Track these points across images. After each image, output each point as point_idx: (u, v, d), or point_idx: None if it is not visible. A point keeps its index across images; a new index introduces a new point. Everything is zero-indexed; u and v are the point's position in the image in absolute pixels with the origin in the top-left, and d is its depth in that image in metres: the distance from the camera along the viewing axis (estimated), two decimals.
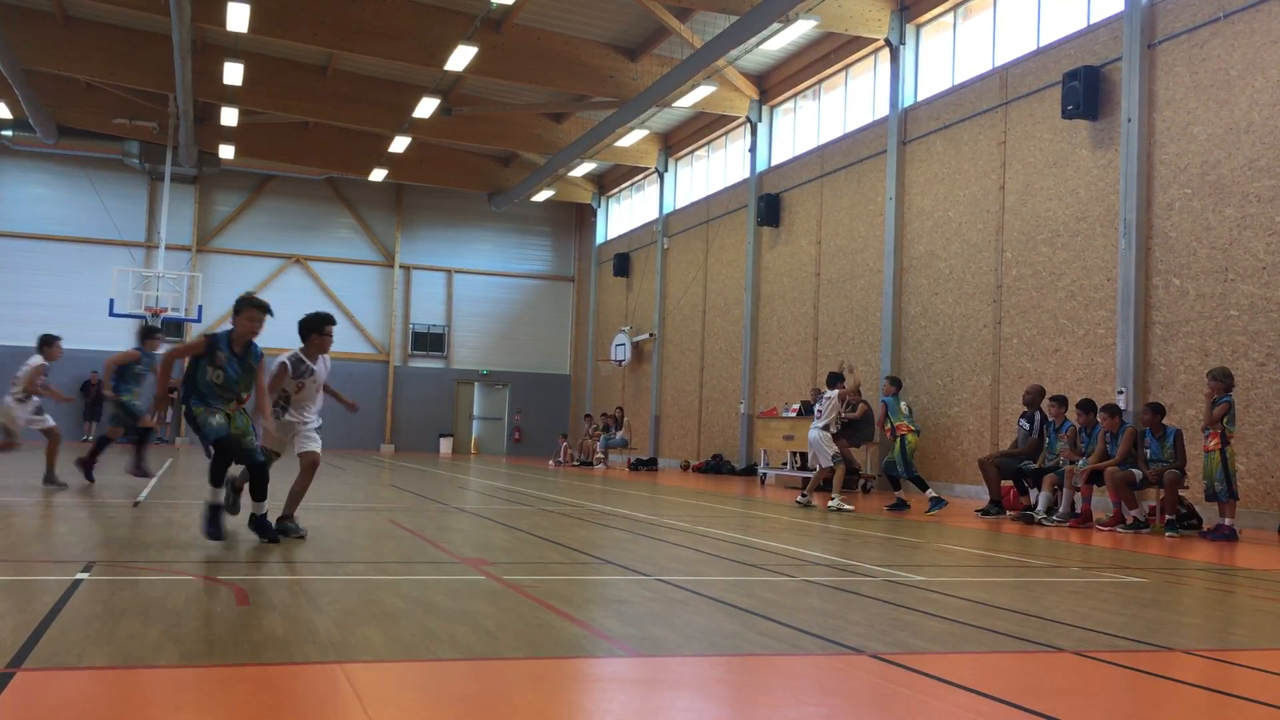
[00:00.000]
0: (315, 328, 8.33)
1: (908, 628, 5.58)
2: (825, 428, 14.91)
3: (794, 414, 20.54)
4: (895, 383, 15.40)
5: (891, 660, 4.69)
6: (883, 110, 21.15)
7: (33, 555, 7.02)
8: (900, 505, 14.58)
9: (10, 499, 11.21)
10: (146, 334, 14.00)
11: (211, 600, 5.61)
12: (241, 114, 27.93)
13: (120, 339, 32.44)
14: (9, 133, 30.14)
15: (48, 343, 13.05)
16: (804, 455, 20.46)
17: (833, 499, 14.32)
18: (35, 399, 12.78)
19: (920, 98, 20.22)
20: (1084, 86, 15.71)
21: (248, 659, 4.36)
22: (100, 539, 8.13)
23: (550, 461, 30.35)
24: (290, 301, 34.54)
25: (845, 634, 5.26)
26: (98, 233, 32.58)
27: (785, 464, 21.27)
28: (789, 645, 4.99)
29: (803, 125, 24.69)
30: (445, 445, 35.17)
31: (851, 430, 19.34)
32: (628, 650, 4.76)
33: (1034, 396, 14.52)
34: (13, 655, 4.17)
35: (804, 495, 14.92)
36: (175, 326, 32.54)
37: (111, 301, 29.21)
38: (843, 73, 23.09)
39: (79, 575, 6.20)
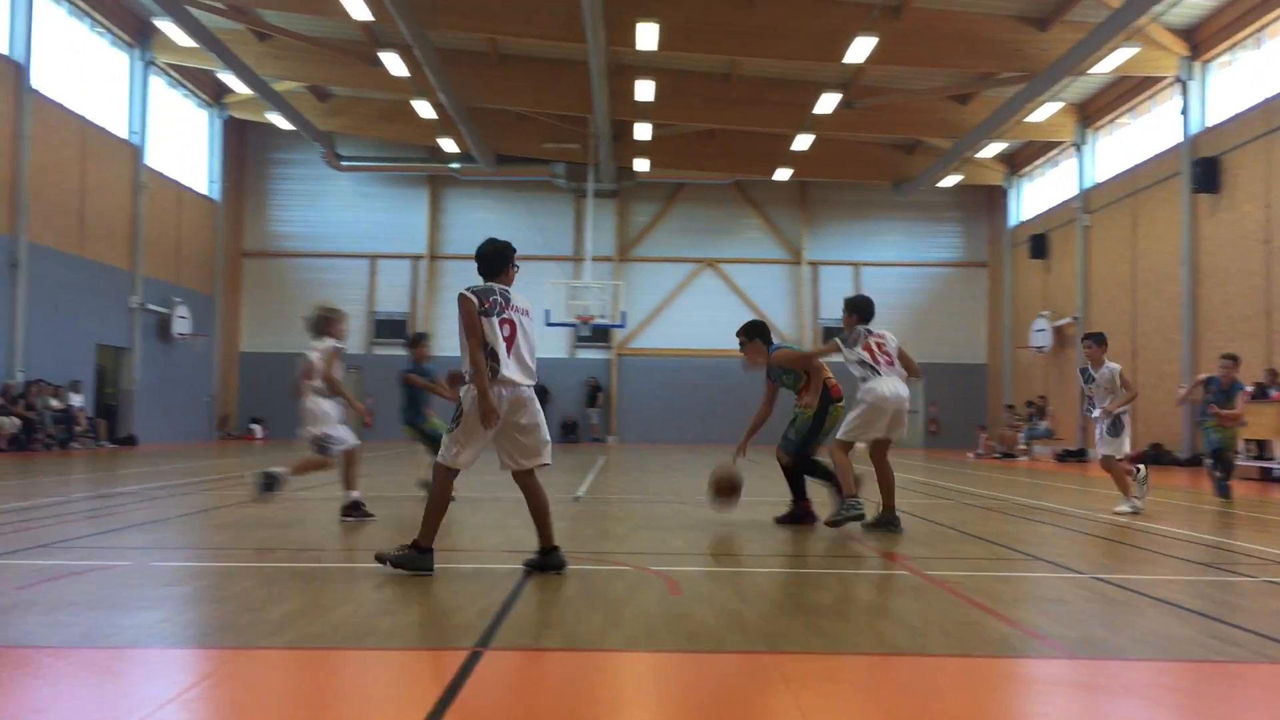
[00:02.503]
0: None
1: None
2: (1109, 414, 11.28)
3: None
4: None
5: None
6: None
7: (492, 545, 7.79)
8: None
9: (470, 495, 12.47)
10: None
11: (646, 589, 5.95)
12: (654, 128, 29.40)
13: (555, 346, 35.26)
14: (456, 165, 33.65)
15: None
16: (1260, 443, 18.47)
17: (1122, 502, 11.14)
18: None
19: None
20: None
21: (683, 646, 4.59)
22: None
23: (969, 454, 29.42)
24: (705, 304, 35.97)
25: None
26: (532, 249, 35.50)
27: (1239, 452, 19.26)
28: (1251, 652, 4.54)
29: (1243, 78, 22.27)
30: None
31: None
32: (1063, 651, 4.53)
33: None
34: (480, 636, 4.65)
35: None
36: (603, 332, 34.81)
37: (547, 312, 31.74)
38: None
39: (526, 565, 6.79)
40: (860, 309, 9.36)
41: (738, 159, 33.11)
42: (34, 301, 23.28)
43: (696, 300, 35.89)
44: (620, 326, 33.39)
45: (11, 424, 21.20)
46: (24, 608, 5.10)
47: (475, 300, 6.29)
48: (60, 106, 24.53)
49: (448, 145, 31.88)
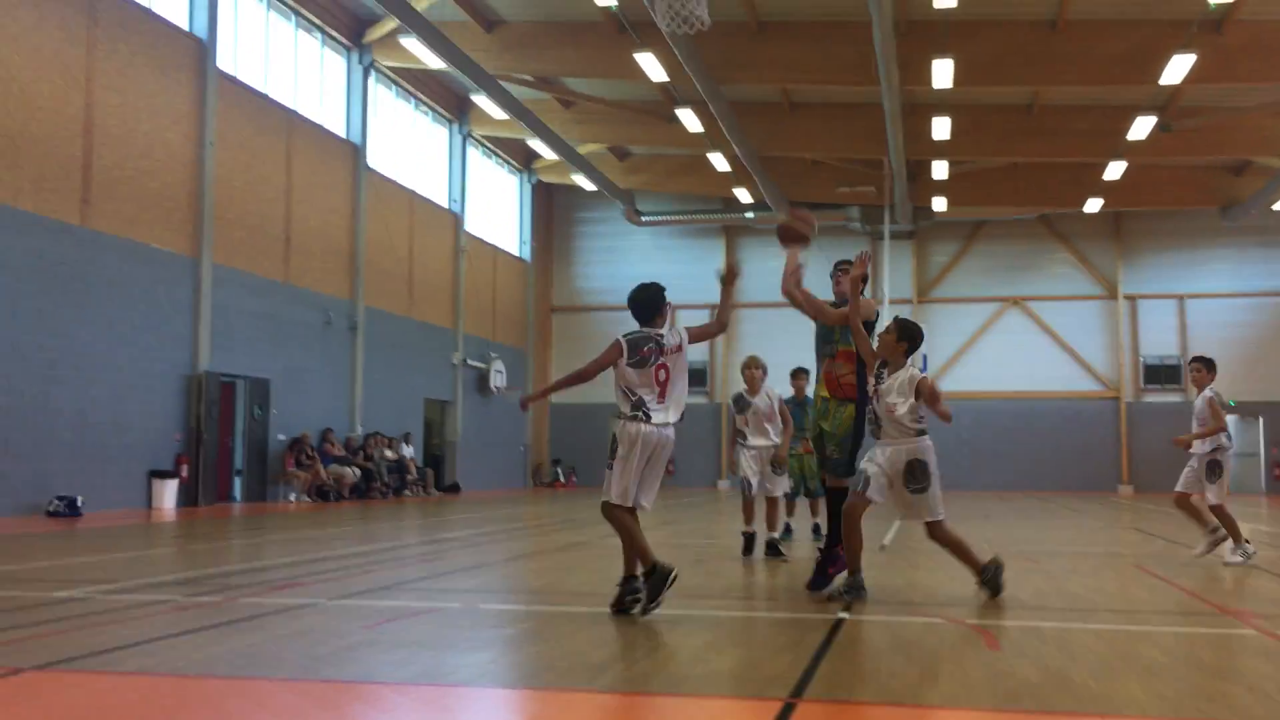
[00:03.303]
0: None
1: None
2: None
3: None
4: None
5: None
6: None
7: (801, 594, 7.75)
8: None
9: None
10: None
11: (963, 644, 5.73)
12: (951, 165, 28.68)
13: None
14: (751, 214, 34.08)
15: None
16: None
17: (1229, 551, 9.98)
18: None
19: None
20: None
21: (1003, 704, 4.38)
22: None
23: None
24: (1012, 343, 34.59)
25: None
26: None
27: None
28: None
29: None
30: None
31: None
32: None
33: None
34: (792, 686, 4.62)
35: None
36: None
37: None
38: None
39: (840, 614, 6.70)
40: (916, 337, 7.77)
41: (1043, 192, 31.70)
42: (370, 360, 25.40)
43: (1003, 340, 34.50)
44: (922, 370, 32.52)
45: (353, 473, 23.14)
46: (369, 645, 5.53)
47: (625, 352, 6.57)
48: (391, 181, 26.81)
49: (742, 195, 32.37)
